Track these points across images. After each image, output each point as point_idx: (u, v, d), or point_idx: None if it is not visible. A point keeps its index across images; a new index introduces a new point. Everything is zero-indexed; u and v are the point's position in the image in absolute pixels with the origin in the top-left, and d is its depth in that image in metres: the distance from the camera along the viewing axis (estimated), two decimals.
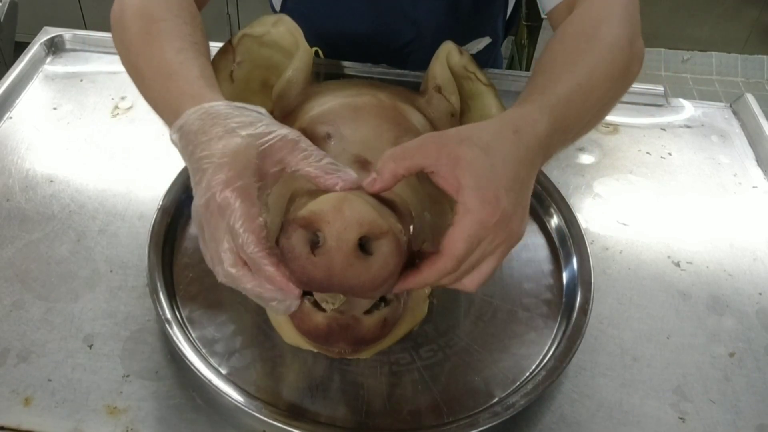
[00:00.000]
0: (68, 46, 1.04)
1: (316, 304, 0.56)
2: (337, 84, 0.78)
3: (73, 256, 0.75)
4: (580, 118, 0.62)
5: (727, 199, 0.89)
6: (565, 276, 0.76)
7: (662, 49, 2.37)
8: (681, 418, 0.65)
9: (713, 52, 2.40)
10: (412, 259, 0.55)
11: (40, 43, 1.01)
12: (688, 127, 1.00)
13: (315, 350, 0.65)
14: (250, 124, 0.53)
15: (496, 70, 1.09)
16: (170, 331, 0.64)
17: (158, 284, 0.68)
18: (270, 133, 0.53)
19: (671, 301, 0.76)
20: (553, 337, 0.70)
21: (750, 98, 1.02)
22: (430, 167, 0.52)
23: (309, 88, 0.76)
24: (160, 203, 0.75)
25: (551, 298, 0.74)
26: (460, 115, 0.78)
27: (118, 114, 0.93)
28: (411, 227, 0.56)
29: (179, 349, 0.63)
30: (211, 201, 0.50)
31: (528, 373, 0.66)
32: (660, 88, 1.03)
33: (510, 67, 2.32)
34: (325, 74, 0.96)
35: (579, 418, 0.65)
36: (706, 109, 1.03)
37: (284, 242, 0.51)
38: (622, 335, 0.72)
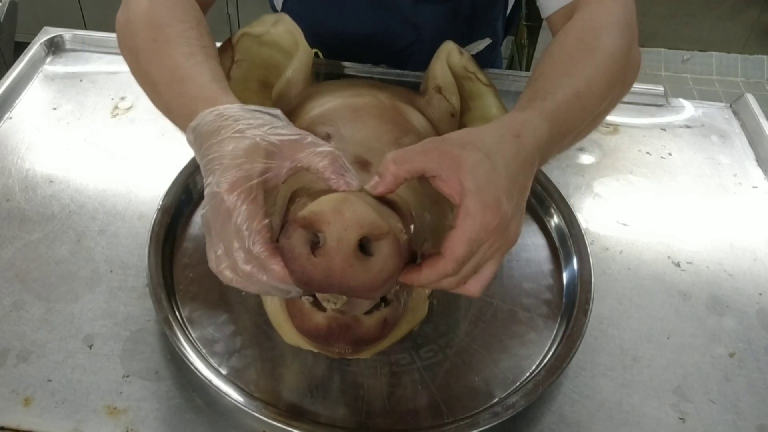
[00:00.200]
0: (68, 46, 1.04)
1: (317, 304, 0.56)
2: (337, 84, 0.78)
3: (73, 256, 0.75)
4: (578, 125, 0.63)
5: (727, 199, 0.89)
6: (565, 276, 0.76)
7: (662, 49, 2.37)
8: (681, 419, 0.65)
9: (713, 52, 2.40)
10: (414, 259, 0.55)
11: (40, 43, 1.01)
12: (688, 127, 1.00)
13: (315, 350, 0.65)
14: (261, 125, 0.53)
15: (496, 70, 1.09)
16: (170, 331, 0.64)
17: (158, 284, 0.68)
18: (279, 133, 0.53)
19: (671, 301, 0.76)
20: (553, 337, 0.70)
21: (750, 98, 1.02)
22: (432, 171, 0.52)
23: (309, 88, 0.76)
24: (160, 203, 0.75)
25: (551, 298, 0.74)
26: (461, 116, 0.77)
27: (118, 114, 0.93)
28: (411, 227, 0.56)
29: (179, 349, 0.63)
30: (219, 202, 0.51)
31: (528, 373, 0.66)
32: (660, 88, 1.03)
33: (510, 67, 2.32)
34: (325, 74, 0.96)
35: (579, 419, 0.65)
36: (706, 109, 1.03)
37: (284, 242, 0.51)
38: (622, 335, 0.72)
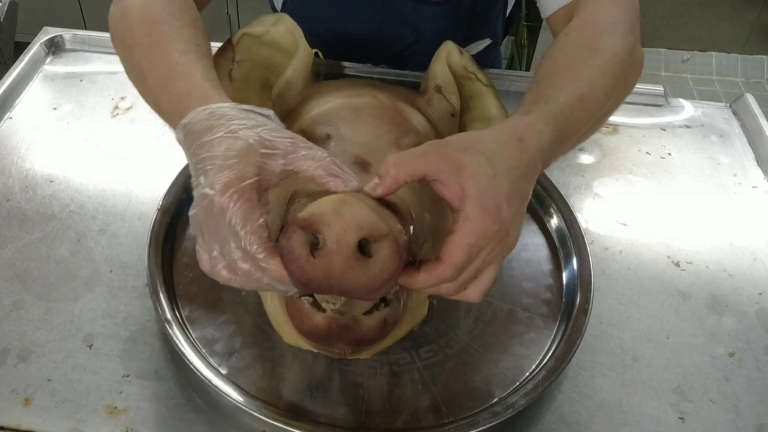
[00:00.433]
0: (68, 46, 1.04)
1: (316, 305, 0.56)
2: (336, 84, 0.78)
3: (73, 256, 0.75)
4: (581, 127, 0.63)
5: (727, 199, 0.89)
6: (565, 276, 0.76)
7: (662, 49, 2.37)
8: (681, 418, 0.65)
9: (713, 52, 2.40)
10: (413, 260, 0.55)
11: (40, 43, 1.01)
12: (688, 127, 1.00)
13: (315, 350, 0.65)
14: (254, 126, 0.53)
15: (496, 70, 1.09)
16: (170, 331, 0.64)
17: (158, 284, 0.68)
18: (273, 135, 0.53)
19: (671, 301, 0.76)
20: (553, 337, 0.70)
21: (750, 98, 1.02)
22: (433, 175, 0.52)
23: (309, 88, 0.76)
24: (160, 203, 0.75)
25: (551, 298, 0.74)
26: (461, 116, 0.77)
27: (118, 114, 0.93)
28: (411, 228, 0.56)
29: (179, 349, 0.63)
30: (212, 203, 0.50)
31: (528, 373, 0.66)
32: (660, 88, 1.03)
33: (510, 67, 2.32)
34: (325, 74, 0.96)
35: (579, 418, 0.65)
36: (706, 109, 1.03)
37: (284, 244, 0.51)
38: (622, 335, 0.72)
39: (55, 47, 1.03)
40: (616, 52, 0.65)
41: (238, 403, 0.60)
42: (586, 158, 0.93)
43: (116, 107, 0.94)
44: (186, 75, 0.60)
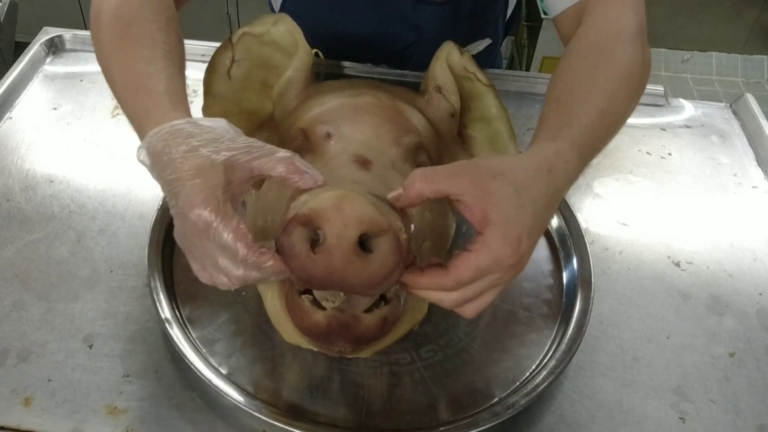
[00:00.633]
0: (68, 46, 1.04)
1: (316, 303, 0.56)
2: (337, 84, 0.78)
3: (73, 256, 0.75)
4: (603, 143, 0.63)
5: (727, 199, 0.89)
6: (565, 276, 0.76)
7: (662, 49, 2.37)
8: (681, 418, 0.65)
9: (713, 52, 2.40)
10: (415, 259, 0.55)
11: (40, 43, 1.01)
12: (688, 127, 1.00)
13: (315, 349, 0.65)
14: (213, 140, 0.53)
15: (496, 70, 1.09)
16: (170, 331, 0.64)
17: (158, 284, 0.68)
18: (233, 147, 0.53)
19: (671, 301, 0.76)
20: (553, 337, 0.70)
21: (750, 98, 1.02)
22: (458, 196, 0.52)
23: (309, 88, 0.76)
24: (160, 203, 0.75)
25: (551, 298, 0.74)
26: (461, 116, 0.77)
27: (118, 114, 0.93)
28: (412, 226, 0.56)
29: (179, 349, 0.63)
30: (191, 224, 0.51)
31: (528, 373, 0.66)
32: (660, 88, 1.03)
33: (510, 67, 2.32)
34: (325, 74, 0.96)
35: (579, 418, 0.65)
36: (706, 109, 1.03)
37: (284, 240, 0.51)
38: (622, 335, 0.72)
39: (55, 47, 1.03)
40: (631, 60, 0.66)
41: (238, 403, 0.60)
42: None
43: (116, 107, 0.94)
44: (147, 88, 0.60)
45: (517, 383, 0.66)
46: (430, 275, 0.53)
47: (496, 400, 0.64)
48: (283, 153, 0.54)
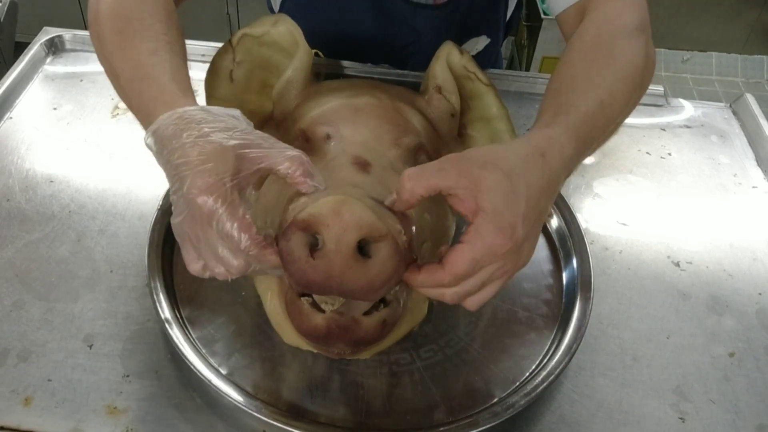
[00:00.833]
0: (68, 46, 1.04)
1: (315, 305, 0.56)
2: (337, 84, 0.78)
3: (73, 256, 0.75)
4: (601, 136, 0.62)
5: (727, 199, 0.89)
6: (565, 276, 0.76)
7: (662, 49, 2.37)
8: (681, 418, 0.65)
9: (713, 52, 2.40)
10: (415, 259, 0.55)
11: (40, 43, 1.01)
12: (688, 127, 1.00)
13: (315, 351, 0.65)
14: (225, 128, 0.53)
15: (496, 70, 1.09)
16: (170, 331, 0.64)
17: (158, 284, 0.68)
18: (245, 136, 0.53)
19: (671, 301, 0.76)
20: (552, 336, 0.70)
21: (750, 98, 1.02)
22: (449, 190, 0.51)
23: (309, 88, 0.76)
24: (160, 203, 0.75)
25: (551, 298, 0.74)
26: (461, 115, 0.77)
27: (118, 114, 0.93)
28: (413, 229, 0.56)
29: (179, 349, 0.63)
30: (195, 209, 0.51)
31: (528, 373, 0.66)
32: (660, 88, 1.03)
33: (510, 67, 2.32)
34: (325, 74, 0.96)
35: (579, 418, 0.65)
36: (706, 109, 1.03)
37: (283, 245, 0.51)
38: (622, 335, 0.72)
39: (55, 47, 1.03)
40: (632, 55, 0.65)
41: (238, 403, 0.60)
42: (586, 158, 0.93)
43: (116, 107, 0.94)
44: (153, 77, 0.59)
45: (517, 383, 0.66)
46: (427, 272, 0.53)
47: (495, 400, 0.64)
48: (293, 151, 0.54)
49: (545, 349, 0.69)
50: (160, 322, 0.66)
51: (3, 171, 0.84)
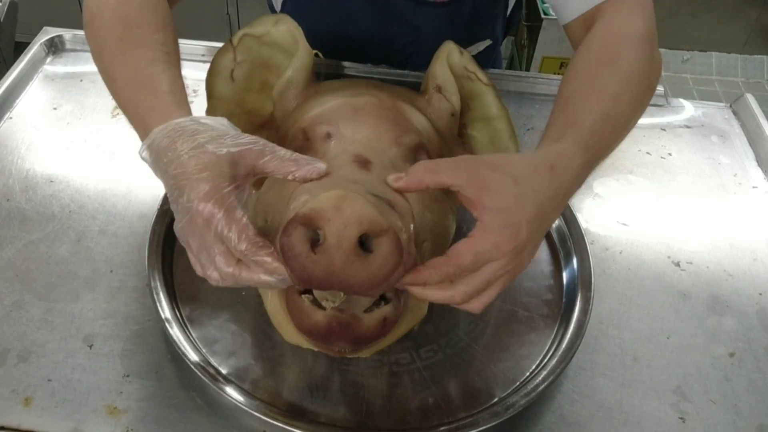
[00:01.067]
0: (68, 46, 1.04)
1: (316, 303, 0.56)
2: (337, 84, 0.78)
3: (73, 256, 0.75)
4: (609, 145, 0.64)
5: (727, 199, 0.89)
6: (565, 276, 0.76)
7: (662, 49, 2.35)
8: (681, 418, 0.65)
9: (713, 52, 2.40)
10: (415, 261, 0.55)
11: (40, 43, 1.01)
12: (688, 127, 1.00)
13: (315, 349, 0.65)
14: (218, 137, 0.55)
15: (496, 70, 1.09)
16: (170, 331, 0.64)
17: (158, 284, 0.68)
18: (237, 143, 0.55)
19: (671, 301, 0.76)
20: (553, 337, 0.70)
21: (750, 98, 1.02)
22: (457, 186, 0.53)
23: (309, 88, 0.76)
24: (160, 203, 0.75)
25: (551, 298, 0.74)
26: (461, 115, 0.77)
27: (118, 114, 0.93)
28: (411, 226, 0.56)
29: (179, 349, 0.63)
30: (195, 216, 0.52)
31: (528, 373, 0.66)
32: (660, 88, 1.03)
33: (510, 67, 2.32)
34: (325, 74, 0.96)
35: (579, 418, 0.65)
36: (706, 109, 1.03)
37: (284, 240, 0.51)
38: (622, 335, 0.72)
39: (55, 47, 1.03)
40: (639, 66, 0.66)
41: (238, 403, 0.60)
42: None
43: (116, 107, 0.94)
44: (150, 88, 0.61)
45: (517, 383, 0.66)
46: (431, 266, 0.53)
47: (496, 400, 0.64)
48: (285, 151, 0.56)
49: (545, 349, 0.69)
50: (160, 322, 0.66)
51: (3, 171, 0.84)
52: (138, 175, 0.84)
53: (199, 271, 0.55)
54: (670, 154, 0.95)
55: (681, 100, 1.04)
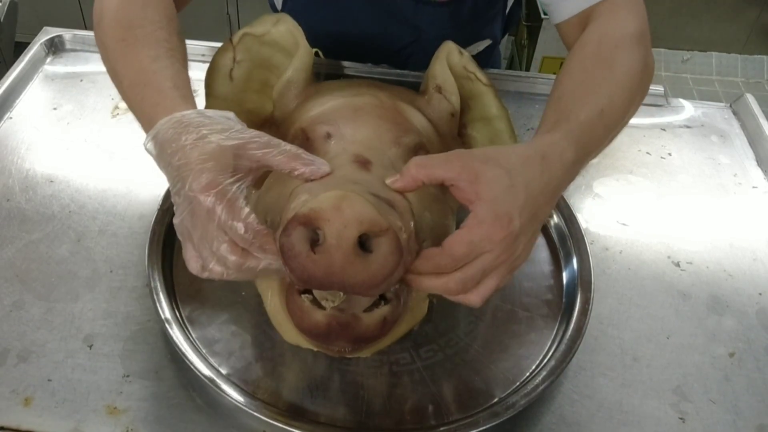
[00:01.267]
0: (68, 46, 1.04)
1: (316, 302, 0.56)
2: (337, 84, 0.78)
3: (73, 256, 0.75)
4: (601, 142, 0.64)
5: (727, 199, 0.89)
6: (565, 276, 0.76)
7: (662, 49, 2.37)
8: (681, 418, 0.65)
9: (713, 52, 2.40)
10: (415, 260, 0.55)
11: (40, 43, 1.01)
12: (688, 127, 1.00)
13: (315, 349, 0.65)
14: (222, 130, 0.55)
15: (496, 70, 1.09)
16: (170, 331, 0.64)
17: (158, 284, 0.68)
18: (242, 136, 0.55)
19: (671, 301, 0.76)
20: (553, 337, 0.70)
21: (750, 98, 1.02)
22: (451, 180, 0.54)
23: (309, 88, 0.76)
24: (160, 203, 0.75)
25: (551, 298, 0.74)
26: (461, 115, 0.77)
27: (118, 114, 0.93)
28: (412, 224, 0.56)
29: (179, 349, 0.63)
30: (197, 206, 0.52)
31: (528, 374, 0.66)
32: (660, 88, 1.03)
33: (510, 67, 2.32)
34: (325, 74, 0.96)
35: (579, 419, 0.65)
36: (706, 109, 1.03)
37: (284, 240, 0.51)
38: (622, 335, 0.72)
39: (55, 47, 1.03)
40: (632, 65, 0.67)
41: (238, 403, 0.60)
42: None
43: (116, 107, 0.94)
44: (155, 83, 0.61)
45: (517, 383, 0.66)
46: (425, 257, 0.54)
47: (496, 400, 0.64)
48: (289, 146, 0.56)
49: (545, 349, 0.69)
50: (160, 322, 0.66)
51: (3, 171, 0.84)
52: (138, 175, 0.84)
53: (196, 268, 0.55)
54: (670, 154, 0.95)
55: (681, 100, 1.04)
